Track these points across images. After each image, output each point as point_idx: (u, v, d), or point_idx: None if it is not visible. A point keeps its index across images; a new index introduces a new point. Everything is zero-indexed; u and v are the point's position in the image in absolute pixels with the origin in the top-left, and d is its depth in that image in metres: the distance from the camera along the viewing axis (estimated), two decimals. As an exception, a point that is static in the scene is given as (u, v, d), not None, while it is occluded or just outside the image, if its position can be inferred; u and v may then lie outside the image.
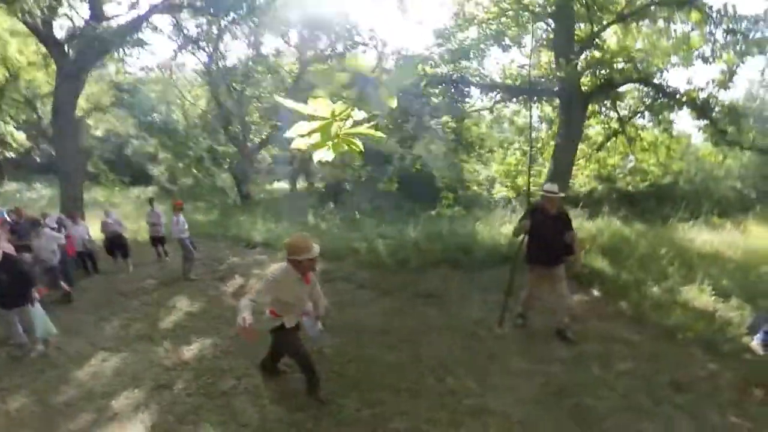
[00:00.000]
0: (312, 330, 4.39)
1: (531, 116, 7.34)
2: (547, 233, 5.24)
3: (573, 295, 6.60)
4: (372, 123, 1.83)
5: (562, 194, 5.38)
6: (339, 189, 20.18)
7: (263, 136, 21.25)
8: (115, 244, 9.64)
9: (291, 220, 14.67)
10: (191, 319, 6.61)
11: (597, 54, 9.71)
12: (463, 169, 11.45)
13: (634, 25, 10.07)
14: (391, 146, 9.64)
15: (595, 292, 6.76)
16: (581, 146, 11.79)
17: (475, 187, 14.03)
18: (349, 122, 1.80)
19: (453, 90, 9.63)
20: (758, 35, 8.53)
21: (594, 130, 11.98)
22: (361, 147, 1.94)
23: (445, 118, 10.20)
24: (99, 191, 20.88)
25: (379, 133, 1.88)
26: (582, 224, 10.34)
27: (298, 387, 4.39)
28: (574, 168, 12.10)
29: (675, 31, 9.56)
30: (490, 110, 10.00)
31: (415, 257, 8.46)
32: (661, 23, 9.44)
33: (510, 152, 11.70)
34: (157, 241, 10.28)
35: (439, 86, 9.55)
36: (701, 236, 9.46)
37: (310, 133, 1.80)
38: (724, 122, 9.47)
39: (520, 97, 9.58)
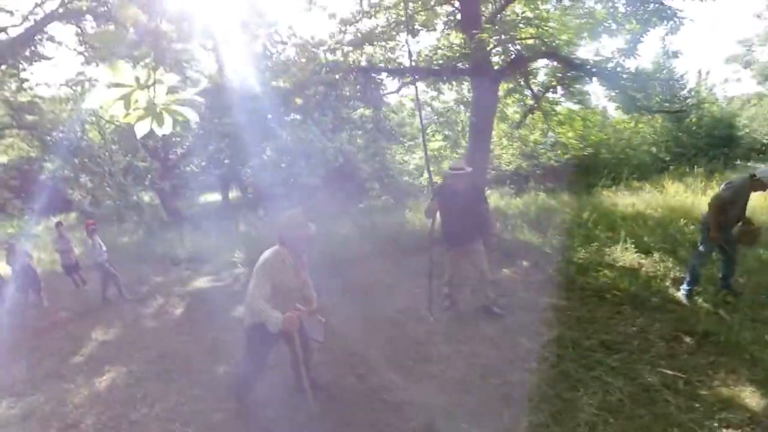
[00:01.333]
0: (315, 331, 3.65)
1: (417, 97, 7.00)
2: (457, 211, 5.01)
3: (502, 269, 6.47)
4: (198, 89, 1.68)
5: (469, 169, 5.11)
6: (269, 194, 19.38)
7: (184, 147, 20.04)
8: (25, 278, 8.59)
9: (220, 232, 13.98)
10: (105, 348, 6.00)
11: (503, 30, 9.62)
12: (387, 158, 11.11)
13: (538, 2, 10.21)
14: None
15: (524, 263, 6.59)
16: (503, 126, 11.81)
17: (406, 177, 13.90)
18: (163, 89, 1.62)
19: (363, 78, 9.30)
20: (658, 5, 8.79)
21: (513, 110, 12.00)
22: (189, 117, 1.71)
23: (361, 109, 9.87)
24: (7, 223, 19.16)
25: (198, 98, 1.70)
26: (509, 201, 10.36)
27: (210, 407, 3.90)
28: (498, 148, 12.16)
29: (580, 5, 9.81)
30: (397, 92, 9.72)
31: (344, 252, 8.09)
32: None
33: (434, 138, 11.52)
34: (70, 269, 9.27)
35: (350, 75, 9.20)
36: (623, 200, 9.64)
37: (113, 102, 1.62)
38: (632, 89, 9.65)
39: (429, 79, 9.37)
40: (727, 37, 75.32)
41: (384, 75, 9.65)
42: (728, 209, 4.96)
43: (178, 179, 20.82)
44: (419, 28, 9.85)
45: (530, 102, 11.02)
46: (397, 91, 9.42)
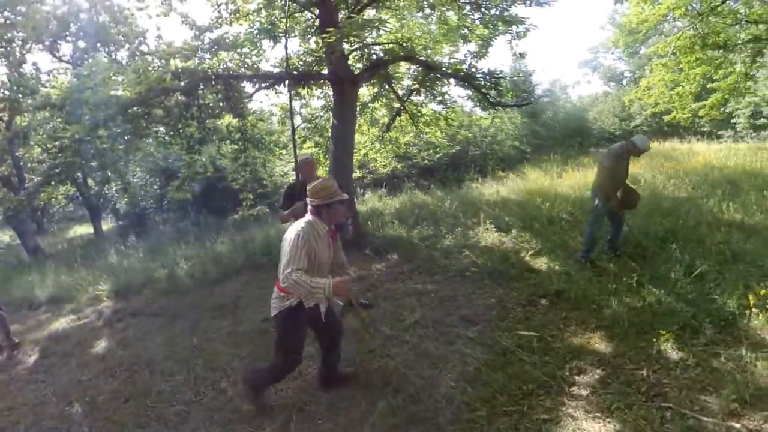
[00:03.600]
0: (337, 307, 3.57)
1: (291, 103, 6.90)
2: None
3: (372, 265, 6.42)
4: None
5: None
6: (141, 219, 17.87)
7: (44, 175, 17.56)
8: None
9: (88, 266, 12.52)
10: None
11: (358, 36, 9.73)
12: (259, 168, 10.70)
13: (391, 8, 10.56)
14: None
15: (394, 257, 6.60)
16: (374, 130, 11.95)
17: (282, 186, 13.63)
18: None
19: (223, 85, 8.88)
20: (506, 13, 9.51)
21: (382, 113, 12.21)
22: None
23: (227, 118, 9.42)
24: None
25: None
26: (386, 202, 10.49)
27: None
28: (372, 151, 12.26)
29: (432, 12, 10.32)
30: (250, 97, 9.42)
31: (215, 270, 7.62)
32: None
33: (305, 145, 11.34)
34: None
35: (209, 83, 8.73)
36: (489, 189, 10.18)
37: None
38: (485, 87, 10.28)
39: (286, 83, 9.18)
40: (579, 45, 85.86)
41: (245, 83, 9.28)
42: (614, 175, 5.45)
43: (37, 212, 18.40)
44: (280, 34, 9.63)
45: (397, 105, 11.30)
46: (250, 96, 9.09)
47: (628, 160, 5.59)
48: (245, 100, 8.92)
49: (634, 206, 5.77)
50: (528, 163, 14.39)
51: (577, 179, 10.19)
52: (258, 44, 9.38)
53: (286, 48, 6.40)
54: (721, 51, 13.46)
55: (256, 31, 9.25)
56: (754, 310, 3.90)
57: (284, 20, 9.64)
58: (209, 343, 5.06)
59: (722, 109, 15.73)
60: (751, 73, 14.00)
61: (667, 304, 4.27)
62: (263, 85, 8.87)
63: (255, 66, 9.24)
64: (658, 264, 5.24)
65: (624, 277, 4.93)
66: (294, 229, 3.10)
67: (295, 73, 8.85)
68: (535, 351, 3.88)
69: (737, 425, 2.91)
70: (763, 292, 3.98)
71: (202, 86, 8.66)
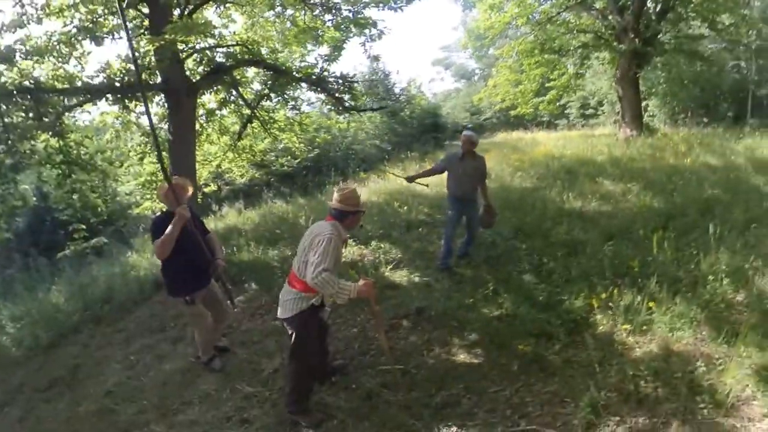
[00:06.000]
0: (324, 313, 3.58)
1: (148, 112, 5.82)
2: (192, 246, 3.86)
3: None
4: None
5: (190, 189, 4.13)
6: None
7: None
8: None
9: None
10: None
11: (195, 39, 8.80)
12: (90, 193, 9.15)
13: (234, 8, 9.78)
14: None
15: (252, 286, 5.98)
16: (225, 138, 11.18)
17: (129, 209, 12.12)
18: None
19: (32, 102, 7.41)
20: (359, 16, 9.27)
21: (231, 120, 11.41)
22: None
23: (44, 136, 7.94)
24: None
25: None
26: (244, 215, 9.76)
27: None
28: (226, 161, 11.42)
29: (283, 12, 9.77)
30: (69, 111, 8.07)
31: (47, 332, 6.12)
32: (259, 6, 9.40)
33: (146, 160, 10.12)
34: None
35: (17, 98, 7.23)
36: (350, 193, 9.91)
37: None
38: (339, 91, 10.04)
39: (115, 97, 7.97)
40: (432, 44, 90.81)
41: (58, 96, 7.86)
42: (448, 178, 5.53)
43: None
44: (103, 35, 8.25)
45: (247, 112, 10.60)
46: (70, 110, 7.77)
47: (467, 164, 5.51)
48: (65, 115, 7.57)
49: (490, 225, 5.85)
50: (388, 162, 14.53)
51: (434, 177, 10.40)
52: (77, 46, 8.01)
53: (134, 55, 5.06)
54: (556, 55, 15.16)
55: (74, 30, 7.87)
56: (598, 316, 4.11)
57: (109, 18, 8.36)
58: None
59: (557, 104, 17.67)
60: (581, 73, 15.97)
61: (522, 312, 4.32)
62: (81, 99, 7.57)
63: (73, 76, 7.88)
64: (511, 265, 5.39)
65: (480, 287, 4.97)
66: (325, 230, 3.12)
67: (118, 85, 7.68)
68: (400, 387, 3.65)
69: (594, 437, 2.95)
70: (604, 295, 4.21)
71: (2, 104, 7.14)
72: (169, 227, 3.63)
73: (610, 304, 4.15)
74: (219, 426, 3.59)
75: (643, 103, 17.61)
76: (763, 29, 15.93)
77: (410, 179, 5.92)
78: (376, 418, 3.36)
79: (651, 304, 3.97)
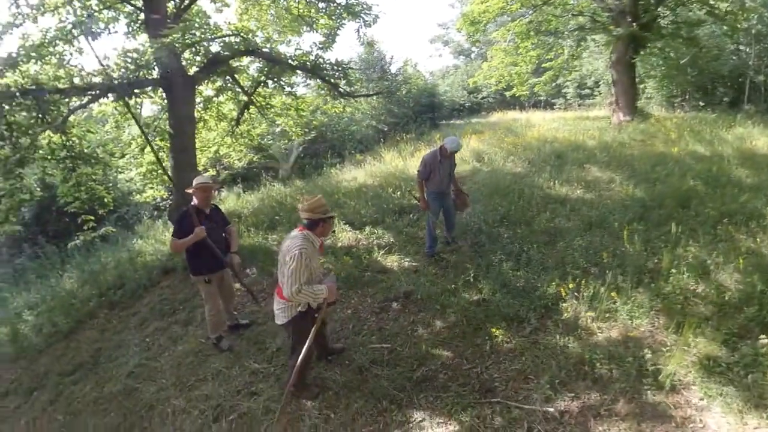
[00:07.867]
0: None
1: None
2: (214, 238, 4.58)
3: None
4: None
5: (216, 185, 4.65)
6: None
7: None
8: None
9: None
10: None
11: (194, 31, 8.99)
12: (96, 185, 9.45)
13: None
14: None
15: (254, 271, 6.41)
16: (223, 125, 11.38)
17: (137, 196, 12.39)
18: None
19: (34, 102, 7.65)
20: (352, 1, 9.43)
21: (229, 107, 11.63)
22: None
23: (47, 133, 8.18)
24: None
25: None
26: (244, 199, 10.11)
27: None
28: (224, 147, 11.67)
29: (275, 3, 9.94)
30: (73, 112, 8.30)
31: (66, 319, 6.48)
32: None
33: (147, 150, 10.38)
34: None
35: (19, 98, 7.47)
36: (347, 175, 10.31)
37: None
38: (333, 78, 10.23)
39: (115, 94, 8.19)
40: (430, 20, 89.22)
41: (60, 96, 8.08)
42: (429, 179, 5.84)
43: None
44: (99, 30, 8.49)
45: (244, 98, 10.82)
46: (73, 111, 8.01)
47: (446, 162, 5.86)
48: (67, 113, 7.83)
49: (464, 207, 6.37)
50: (384, 143, 14.80)
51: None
52: (73, 42, 8.21)
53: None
54: (552, 37, 15.18)
55: (70, 26, 8.07)
56: (565, 303, 4.53)
57: (104, 12, 8.53)
58: (77, 418, 4.48)
59: (554, 84, 17.75)
60: (576, 55, 16.02)
61: (498, 298, 4.74)
62: (83, 101, 7.85)
63: (71, 73, 8.08)
64: (493, 253, 5.76)
65: (462, 273, 5.38)
66: (294, 244, 3.36)
67: (117, 82, 7.89)
68: (388, 363, 4.11)
69: (551, 409, 3.40)
70: (571, 284, 4.63)
71: (5, 105, 7.36)
72: (185, 239, 4.40)
73: (576, 294, 4.57)
74: (231, 399, 4.04)
75: (641, 86, 17.66)
76: (765, 14, 15.79)
77: (419, 198, 6.19)
78: (366, 389, 3.83)
79: (613, 294, 4.39)
